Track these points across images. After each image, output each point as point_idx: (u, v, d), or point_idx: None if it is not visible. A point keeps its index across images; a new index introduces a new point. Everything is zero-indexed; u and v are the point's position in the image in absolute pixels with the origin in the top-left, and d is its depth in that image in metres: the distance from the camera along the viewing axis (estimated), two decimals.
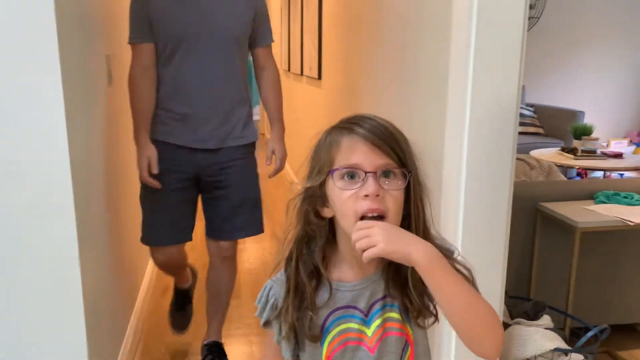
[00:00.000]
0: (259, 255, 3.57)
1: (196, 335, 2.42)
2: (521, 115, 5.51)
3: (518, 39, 1.54)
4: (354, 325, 0.92)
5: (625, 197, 2.35)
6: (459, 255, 0.91)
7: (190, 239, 2.18)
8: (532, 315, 2.13)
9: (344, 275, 0.94)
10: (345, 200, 0.86)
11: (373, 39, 2.65)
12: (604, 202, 2.35)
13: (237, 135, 2.06)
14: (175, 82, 1.97)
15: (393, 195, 0.86)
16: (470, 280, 0.89)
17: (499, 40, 1.53)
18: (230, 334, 2.51)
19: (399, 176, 0.87)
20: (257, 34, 2.09)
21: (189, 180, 2.06)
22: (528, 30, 1.57)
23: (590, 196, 2.42)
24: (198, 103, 1.99)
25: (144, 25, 1.94)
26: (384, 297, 0.92)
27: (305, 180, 0.93)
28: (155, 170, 1.99)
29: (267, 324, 0.96)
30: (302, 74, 4.50)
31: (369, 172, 0.85)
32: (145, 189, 2.06)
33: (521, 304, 2.24)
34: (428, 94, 1.94)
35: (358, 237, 0.83)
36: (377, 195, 0.85)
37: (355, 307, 0.92)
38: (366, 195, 0.85)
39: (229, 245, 2.18)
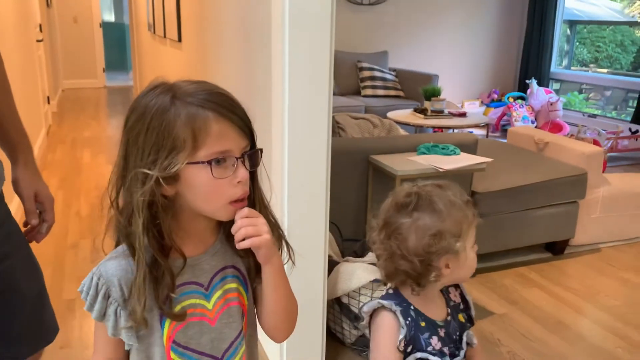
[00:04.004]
0: None
1: None
2: (384, 79, 5.88)
3: (327, 10, 1.72)
4: (195, 300, 0.90)
5: (442, 149, 2.69)
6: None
7: None
8: (360, 253, 2.41)
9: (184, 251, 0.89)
10: (217, 186, 0.83)
11: (218, 4, 2.75)
12: (424, 153, 2.67)
13: None
14: None
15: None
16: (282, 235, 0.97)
17: (311, 13, 1.69)
18: None
19: (254, 156, 0.87)
20: None
21: None
22: None
23: (415, 148, 2.74)
24: None
25: None
26: (224, 269, 0.93)
27: (145, 164, 0.81)
28: None
29: (101, 316, 0.87)
30: (165, 36, 4.49)
31: (238, 157, 0.84)
32: None
33: (354, 244, 2.52)
34: (261, 62, 2.10)
35: (243, 224, 0.84)
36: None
37: (195, 283, 0.90)
38: (239, 182, 0.84)
39: None
